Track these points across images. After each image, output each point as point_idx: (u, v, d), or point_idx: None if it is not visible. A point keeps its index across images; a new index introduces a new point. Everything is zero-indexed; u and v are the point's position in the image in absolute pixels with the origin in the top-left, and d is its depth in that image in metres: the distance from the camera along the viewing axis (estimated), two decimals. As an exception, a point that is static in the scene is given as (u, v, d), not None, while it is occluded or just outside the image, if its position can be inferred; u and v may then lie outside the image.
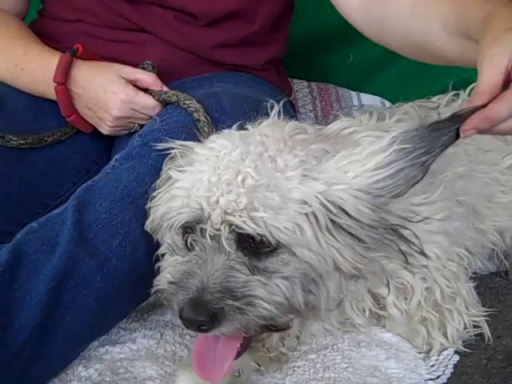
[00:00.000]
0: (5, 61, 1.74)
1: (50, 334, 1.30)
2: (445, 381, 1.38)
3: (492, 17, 1.19)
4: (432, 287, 1.42)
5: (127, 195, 1.39)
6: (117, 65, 1.68)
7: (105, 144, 1.85)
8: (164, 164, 1.36)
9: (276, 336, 1.39)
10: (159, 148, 1.40)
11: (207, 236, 1.18)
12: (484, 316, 1.48)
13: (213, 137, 1.32)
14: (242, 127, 1.36)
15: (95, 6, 1.81)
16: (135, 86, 1.65)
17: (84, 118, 1.72)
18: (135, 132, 1.69)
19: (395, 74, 2.69)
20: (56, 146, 1.75)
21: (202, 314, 1.15)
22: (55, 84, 1.64)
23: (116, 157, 1.50)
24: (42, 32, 1.88)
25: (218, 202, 1.16)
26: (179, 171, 1.27)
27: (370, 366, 1.38)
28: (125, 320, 1.55)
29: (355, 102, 2.56)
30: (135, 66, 1.71)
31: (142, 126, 1.67)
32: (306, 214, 1.18)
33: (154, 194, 1.33)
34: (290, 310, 1.22)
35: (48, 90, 1.68)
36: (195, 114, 1.52)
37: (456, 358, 1.43)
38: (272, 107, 1.40)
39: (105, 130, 1.70)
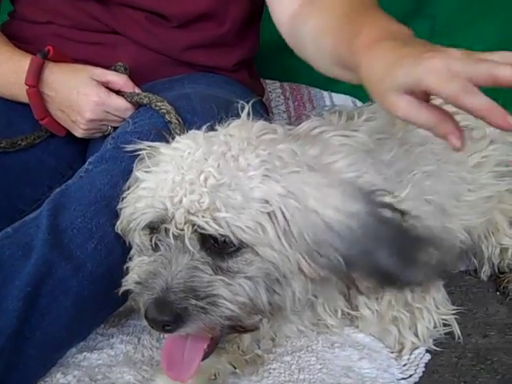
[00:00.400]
0: None
1: (27, 340, 1.30)
2: (417, 380, 1.41)
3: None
4: None
5: (101, 198, 1.39)
6: (88, 67, 1.68)
7: (79, 147, 1.84)
8: (135, 165, 1.37)
9: (249, 338, 1.41)
10: (130, 150, 1.41)
11: (171, 236, 1.19)
12: (454, 314, 1.51)
13: (178, 137, 1.34)
14: (212, 128, 1.38)
15: (66, 7, 1.81)
16: (107, 87, 1.65)
17: (57, 121, 1.72)
18: (109, 134, 1.68)
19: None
20: (30, 149, 1.74)
21: (166, 314, 1.16)
22: (27, 87, 1.64)
23: (89, 160, 1.50)
24: (13, 34, 1.87)
25: (181, 201, 1.18)
26: (145, 172, 1.29)
27: (343, 366, 1.40)
28: (102, 325, 1.55)
29: (327, 102, 2.58)
30: (107, 67, 1.71)
31: (115, 128, 1.67)
32: (268, 214, 1.20)
33: (123, 195, 1.34)
34: (253, 310, 1.24)
35: (20, 92, 1.68)
36: (167, 116, 1.52)
37: (427, 356, 1.47)
38: (243, 108, 1.42)
39: (78, 132, 1.70)
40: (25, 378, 1.34)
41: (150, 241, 1.27)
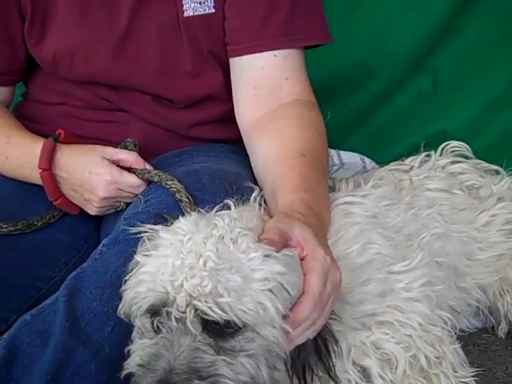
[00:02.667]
0: None
1: None
2: None
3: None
4: (417, 354, 1.43)
5: (116, 281, 1.40)
6: (99, 147, 1.72)
7: (93, 223, 1.88)
8: (138, 248, 1.38)
9: None
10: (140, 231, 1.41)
11: (173, 319, 1.20)
12: (473, 376, 1.49)
13: (180, 219, 1.34)
14: (223, 207, 1.39)
15: (78, 90, 1.87)
16: (118, 165, 1.69)
17: (70, 201, 1.75)
18: (122, 211, 1.73)
19: (372, 129, 2.77)
20: (45, 228, 1.78)
21: None
22: (40, 170, 1.69)
23: (103, 242, 1.52)
24: (25, 115, 1.94)
25: (182, 285, 1.19)
26: (145, 256, 1.30)
27: None
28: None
29: (336, 161, 2.60)
30: (117, 144, 1.76)
31: (128, 204, 1.71)
32: (270, 290, 1.21)
33: (126, 278, 1.34)
34: None
35: (33, 175, 1.73)
36: (177, 195, 1.55)
37: (448, 424, 1.44)
38: (251, 189, 1.46)
39: (92, 210, 1.73)
40: None
41: (152, 324, 1.26)
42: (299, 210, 1.38)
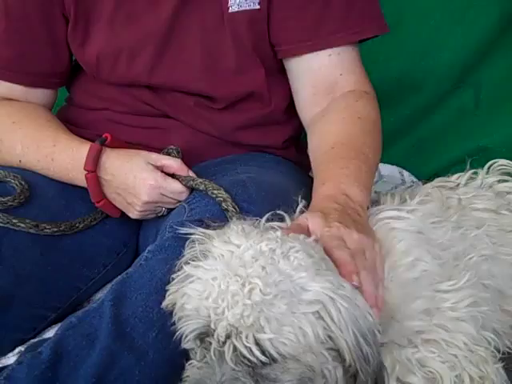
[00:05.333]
0: (35, 152, 1.81)
1: None
2: None
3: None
4: (461, 374, 1.41)
5: (162, 288, 1.39)
6: (143, 152, 1.74)
7: (132, 227, 1.90)
8: (185, 248, 1.36)
9: None
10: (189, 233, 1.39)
11: (211, 350, 1.19)
12: (514, 396, 1.47)
13: (233, 226, 1.32)
14: (271, 218, 1.39)
15: (121, 95, 1.89)
16: (162, 171, 1.70)
17: (113, 203, 1.77)
18: (162, 216, 1.74)
19: (411, 142, 2.75)
20: (86, 231, 1.81)
21: None
22: (85, 172, 1.70)
23: (149, 248, 1.53)
24: (69, 120, 1.96)
25: (223, 313, 1.17)
26: (194, 267, 1.26)
27: None
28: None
29: (374, 174, 2.58)
30: (159, 150, 1.78)
31: (169, 209, 1.72)
32: (315, 312, 1.19)
33: (173, 276, 1.32)
34: None
35: (77, 177, 1.75)
36: (223, 204, 1.54)
37: None
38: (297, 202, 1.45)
39: (133, 214, 1.74)
40: None
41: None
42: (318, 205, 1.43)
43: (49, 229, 1.70)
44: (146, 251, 1.52)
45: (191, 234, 1.34)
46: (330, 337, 1.20)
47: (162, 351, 1.38)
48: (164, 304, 1.32)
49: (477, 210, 1.67)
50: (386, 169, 2.61)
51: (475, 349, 1.43)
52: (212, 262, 1.24)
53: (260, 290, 1.16)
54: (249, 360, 1.17)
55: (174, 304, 1.29)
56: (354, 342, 1.20)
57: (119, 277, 1.49)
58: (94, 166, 1.69)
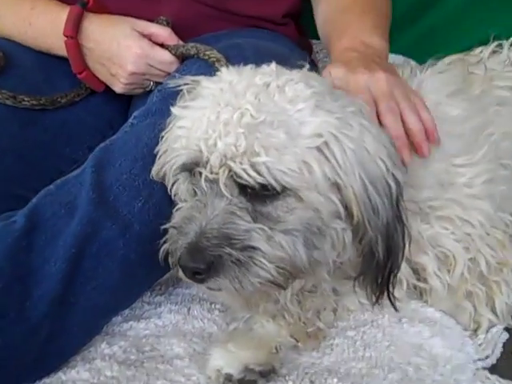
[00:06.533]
0: (12, 16, 1.65)
1: (71, 306, 1.22)
2: (494, 361, 1.29)
3: None
4: (476, 257, 1.32)
5: (148, 153, 1.28)
6: (130, 18, 1.59)
7: (120, 106, 1.76)
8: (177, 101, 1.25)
9: (311, 309, 1.31)
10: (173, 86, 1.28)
11: (202, 180, 1.09)
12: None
13: (224, 69, 1.22)
14: None
15: None
16: (150, 40, 1.56)
17: (96, 75, 1.63)
18: (151, 91, 1.59)
19: (419, 32, 2.58)
20: (69, 108, 1.67)
21: (198, 261, 1.07)
22: (65, 38, 1.56)
23: (134, 114, 1.41)
24: None
25: (216, 144, 1.07)
26: (182, 108, 1.17)
27: (413, 344, 1.29)
28: (149, 293, 1.46)
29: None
30: (149, 21, 1.61)
31: (158, 83, 1.58)
32: (317, 148, 1.08)
33: (162, 135, 1.23)
34: (292, 269, 1.12)
35: (57, 44, 1.60)
36: (217, 64, 1.42)
37: (505, 335, 1.33)
38: (300, 66, 1.28)
39: (118, 87, 1.61)
40: (68, 346, 1.26)
41: (187, 185, 1.17)
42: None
43: (27, 101, 1.57)
44: (132, 117, 1.40)
45: (180, 85, 1.22)
46: (337, 184, 1.09)
47: (149, 224, 1.26)
48: (153, 171, 1.22)
49: (499, 88, 1.54)
50: (392, 58, 2.43)
51: (492, 231, 1.34)
52: (201, 100, 1.14)
53: (251, 115, 1.06)
54: (245, 188, 1.07)
55: (164, 169, 1.17)
56: (362, 189, 1.09)
57: (102, 144, 1.36)
58: (74, 30, 1.55)
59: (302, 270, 1.14)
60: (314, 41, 2.39)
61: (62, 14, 1.56)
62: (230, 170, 1.06)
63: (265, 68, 1.18)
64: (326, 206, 1.10)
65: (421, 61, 2.42)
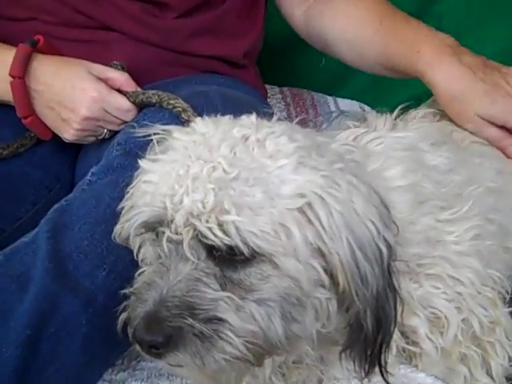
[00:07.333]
0: None
1: None
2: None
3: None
4: (469, 318, 1.23)
5: (112, 215, 1.14)
6: (84, 61, 1.47)
7: (67, 158, 1.63)
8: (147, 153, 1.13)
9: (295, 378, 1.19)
10: (142, 141, 1.16)
11: (164, 241, 0.97)
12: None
13: (198, 119, 1.10)
14: None
15: (50, 2, 1.60)
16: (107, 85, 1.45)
17: (43, 121, 1.49)
18: (103, 139, 1.48)
19: (370, 76, 2.53)
20: (12, 160, 1.52)
21: (155, 333, 0.93)
22: (11, 79, 1.42)
23: (92, 170, 1.28)
24: None
25: (182, 201, 0.95)
26: (151, 161, 1.05)
27: (412, 414, 1.19)
28: (110, 370, 1.29)
29: (332, 108, 2.37)
30: (100, 68, 1.51)
31: (112, 132, 1.47)
32: (299, 209, 0.96)
33: (127, 190, 1.09)
34: (265, 346, 0.99)
35: (1, 87, 1.45)
36: (183, 115, 1.32)
37: (501, 400, 1.26)
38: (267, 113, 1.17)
39: (69, 133, 1.47)
40: None
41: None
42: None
43: (-36, 154, 1.42)
44: (90, 174, 1.27)
45: (149, 135, 1.10)
46: (320, 250, 0.98)
47: (115, 296, 1.10)
48: (115, 231, 1.08)
49: (479, 142, 1.49)
50: (345, 104, 2.42)
51: (483, 289, 1.26)
52: (172, 153, 1.02)
53: (224, 169, 0.94)
54: (213, 251, 0.95)
55: (126, 229, 1.05)
56: (349, 256, 0.97)
57: (56, 205, 1.22)
58: (21, 70, 1.41)
59: (278, 346, 1.01)
60: (265, 86, 2.33)
61: (8, 54, 1.43)
62: (195, 229, 0.94)
63: (244, 119, 1.07)
64: (306, 275, 0.97)
65: (374, 105, 2.42)
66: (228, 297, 0.95)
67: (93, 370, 1.17)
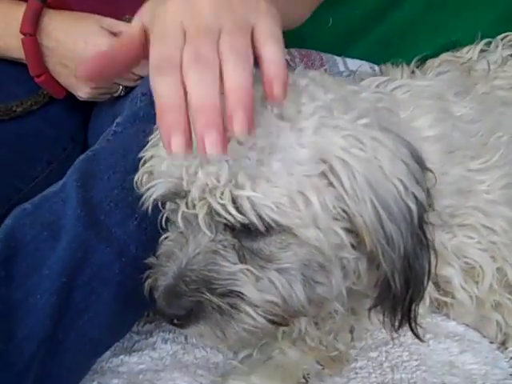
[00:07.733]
0: None
1: (60, 344, 1.03)
2: (529, 375, 1.20)
3: None
4: (503, 266, 1.22)
5: None
6: (96, 15, 1.43)
7: (81, 118, 1.60)
8: None
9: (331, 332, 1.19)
10: None
11: (179, 215, 0.94)
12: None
13: None
14: None
15: None
16: None
17: (56, 79, 1.45)
18: (119, 97, 1.45)
19: (378, 36, 2.51)
20: (26, 117, 1.48)
21: (176, 307, 0.94)
22: (22, 36, 1.38)
23: (117, 121, 1.24)
24: None
25: (196, 173, 0.90)
26: None
27: (444, 362, 1.18)
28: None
29: (341, 68, 2.33)
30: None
31: (129, 88, 1.43)
32: (320, 174, 0.92)
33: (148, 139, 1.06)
34: (287, 314, 0.98)
35: (12, 44, 1.42)
36: None
37: (536, 346, 1.25)
38: None
39: (83, 92, 1.44)
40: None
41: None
42: None
43: (-24, 111, 1.39)
44: (114, 124, 1.23)
45: None
46: (344, 211, 0.94)
47: (147, 246, 1.08)
48: (136, 177, 1.05)
49: (501, 88, 1.47)
50: (355, 64, 2.36)
51: None
52: None
53: (237, 141, 0.88)
54: (228, 225, 0.92)
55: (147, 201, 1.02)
56: (374, 218, 0.93)
57: (82, 155, 1.18)
58: (32, 27, 1.37)
59: (301, 311, 0.99)
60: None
61: (18, 10, 1.39)
62: (209, 206, 0.91)
63: None
64: (327, 241, 0.94)
65: (383, 65, 2.40)
66: (247, 269, 0.93)
67: (125, 318, 1.16)
